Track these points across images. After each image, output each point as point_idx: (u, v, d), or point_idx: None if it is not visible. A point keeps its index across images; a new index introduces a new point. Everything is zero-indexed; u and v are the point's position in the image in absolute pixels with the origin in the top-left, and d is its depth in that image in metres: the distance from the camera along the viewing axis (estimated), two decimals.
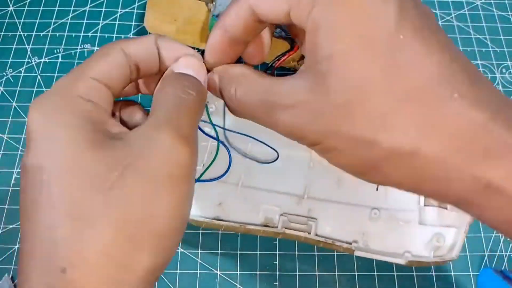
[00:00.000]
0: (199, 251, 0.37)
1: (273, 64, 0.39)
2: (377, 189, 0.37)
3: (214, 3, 0.39)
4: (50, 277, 0.15)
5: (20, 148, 0.40)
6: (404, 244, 0.34)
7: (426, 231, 0.35)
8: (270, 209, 0.36)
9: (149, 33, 0.41)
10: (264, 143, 0.37)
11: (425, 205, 0.36)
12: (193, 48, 0.39)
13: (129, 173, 0.16)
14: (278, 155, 0.36)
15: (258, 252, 0.37)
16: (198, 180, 0.36)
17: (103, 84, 0.19)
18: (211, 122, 0.37)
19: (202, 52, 0.37)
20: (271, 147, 0.36)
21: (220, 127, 0.39)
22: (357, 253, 0.33)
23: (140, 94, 0.24)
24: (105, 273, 0.16)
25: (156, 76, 0.22)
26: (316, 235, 0.34)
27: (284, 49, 0.39)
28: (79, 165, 0.16)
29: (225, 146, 0.37)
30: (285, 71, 0.43)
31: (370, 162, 0.18)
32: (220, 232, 0.38)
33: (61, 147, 0.17)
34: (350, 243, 0.33)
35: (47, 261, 0.16)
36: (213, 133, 0.38)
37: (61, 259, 0.15)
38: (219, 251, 0.37)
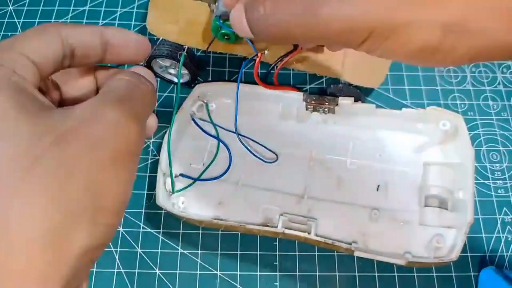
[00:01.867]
0: (199, 251, 0.37)
1: (276, 65, 0.39)
2: (377, 189, 0.37)
3: (216, 3, 0.38)
4: None
5: None
6: (404, 245, 0.34)
7: (426, 231, 0.35)
8: (270, 209, 0.36)
9: (150, 33, 0.41)
10: (263, 146, 0.37)
11: (425, 206, 0.36)
12: (197, 50, 0.39)
13: (67, 141, 0.15)
14: (277, 157, 0.36)
15: (258, 252, 0.37)
16: (198, 179, 0.36)
17: (30, 60, 0.18)
18: (211, 121, 0.37)
19: (205, 53, 0.37)
20: (269, 150, 0.36)
21: (220, 126, 0.39)
22: (357, 254, 0.33)
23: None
24: (34, 254, 0.14)
25: (97, 68, 0.22)
26: (316, 235, 0.34)
27: (287, 50, 0.39)
28: (5, 129, 0.15)
29: (225, 145, 0.37)
30: (288, 72, 0.43)
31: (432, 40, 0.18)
32: (220, 232, 0.38)
33: None
34: (350, 244, 0.33)
35: None
36: (213, 132, 0.38)
37: None
38: (219, 251, 0.37)
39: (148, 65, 0.41)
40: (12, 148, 0.14)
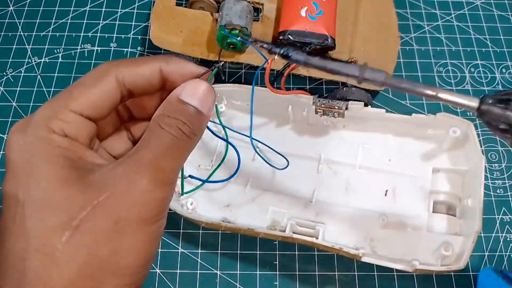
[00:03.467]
0: (199, 251, 0.37)
1: (283, 71, 0.39)
2: (385, 195, 0.37)
3: (220, 13, 0.38)
4: None
5: None
6: (411, 251, 0.34)
7: (434, 238, 0.34)
8: (278, 212, 0.36)
9: (154, 44, 0.41)
10: (275, 151, 0.36)
11: (433, 212, 0.36)
12: (201, 59, 0.39)
13: (97, 212, 0.17)
14: (288, 163, 0.36)
15: (258, 252, 0.37)
16: (207, 180, 0.36)
17: (84, 117, 0.19)
18: (221, 123, 0.37)
19: (210, 62, 0.38)
20: (281, 155, 0.36)
21: (229, 128, 0.38)
22: (365, 259, 0.32)
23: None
24: None
25: (155, 95, 0.23)
26: (324, 240, 0.33)
27: None
28: (52, 202, 0.17)
29: (234, 147, 0.37)
30: (295, 78, 0.43)
31: None
32: (220, 231, 0.38)
33: (36, 182, 0.17)
34: (358, 249, 0.33)
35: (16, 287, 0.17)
36: (222, 134, 0.38)
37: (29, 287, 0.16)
38: (219, 251, 0.37)
39: None
40: (54, 219, 0.17)
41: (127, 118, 0.24)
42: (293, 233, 0.33)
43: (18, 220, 0.17)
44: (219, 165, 0.37)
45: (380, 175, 0.37)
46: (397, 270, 0.36)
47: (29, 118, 0.19)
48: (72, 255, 0.17)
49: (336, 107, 0.36)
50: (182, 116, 0.20)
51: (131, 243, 0.18)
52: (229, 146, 0.37)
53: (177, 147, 0.20)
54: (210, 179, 0.36)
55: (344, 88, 0.39)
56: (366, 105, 0.37)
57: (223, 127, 0.38)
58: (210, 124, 0.39)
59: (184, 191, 0.35)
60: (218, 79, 0.43)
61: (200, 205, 0.36)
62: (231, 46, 0.39)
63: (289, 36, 0.38)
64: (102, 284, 0.17)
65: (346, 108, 0.36)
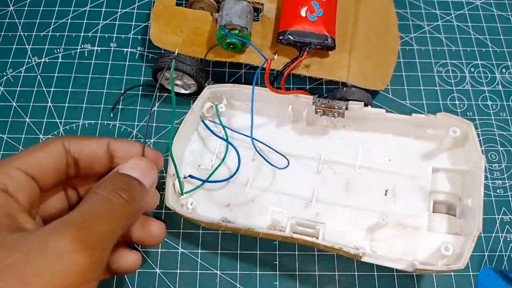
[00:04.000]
0: (199, 251, 0.37)
1: (283, 71, 0.39)
2: (385, 194, 0.37)
3: (220, 13, 0.38)
4: None
5: (21, 148, 0.40)
6: (411, 251, 0.34)
7: (434, 238, 0.34)
8: (278, 212, 0.36)
9: (154, 44, 0.41)
10: (276, 151, 0.36)
11: (433, 212, 0.36)
12: (201, 59, 0.39)
13: (3, 275, 0.16)
14: (288, 163, 0.36)
15: (258, 252, 0.37)
16: (207, 180, 0.36)
17: (28, 175, 0.19)
18: (221, 123, 0.37)
19: (203, 59, 0.37)
20: (282, 154, 0.36)
21: (229, 128, 0.38)
22: (365, 259, 0.32)
23: None
24: None
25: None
26: (324, 240, 0.33)
27: (293, 55, 0.39)
28: None
29: (234, 147, 0.37)
30: (295, 78, 0.43)
31: None
32: (220, 231, 0.38)
33: None
34: (358, 249, 0.33)
35: None
36: (222, 134, 0.38)
37: None
38: (219, 251, 0.37)
39: (154, 77, 0.40)
40: None
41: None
42: (293, 233, 0.33)
43: None
44: (219, 165, 0.37)
45: (380, 175, 0.37)
46: (397, 270, 0.36)
47: None
48: None
49: (336, 107, 0.36)
50: (122, 183, 0.20)
51: None
52: (229, 146, 0.37)
53: (111, 210, 0.19)
54: (210, 179, 0.36)
55: (344, 88, 0.39)
56: (366, 105, 0.37)
57: (223, 127, 0.38)
58: (210, 124, 0.39)
59: (184, 191, 0.35)
60: (219, 80, 0.43)
61: (200, 205, 0.36)
62: (231, 46, 0.39)
63: (289, 36, 0.38)
64: None
65: (346, 108, 0.36)
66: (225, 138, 0.38)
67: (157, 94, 0.43)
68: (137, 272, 0.36)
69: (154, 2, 0.42)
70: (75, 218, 0.18)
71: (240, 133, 0.37)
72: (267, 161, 0.35)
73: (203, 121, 0.39)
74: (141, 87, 0.43)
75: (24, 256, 0.16)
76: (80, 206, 0.18)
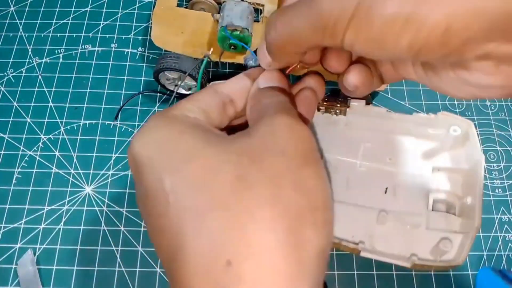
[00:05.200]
0: None
1: (284, 71, 0.39)
2: (385, 192, 0.37)
3: (221, 14, 0.39)
4: (215, 273, 0.14)
5: (21, 147, 0.41)
6: (410, 247, 0.34)
7: (433, 235, 0.34)
8: None
9: (155, 45, 0.41)
10: None
11: (432, 210, 0.36)
12: (202, 60, 0.40)
13: (261, 156, 0.16)
14: None
15: None
16: None
17: (200, 109, 0.20)
18: None
19: (217, 64, 0.37)
20: None
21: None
22: (363, 254, 0.32)
23: None
24: (279, 261, 0.15)
25: None
26: None
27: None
28: (209, 160, 0.16)
29: None
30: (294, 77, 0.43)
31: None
32: None
33: (187, 146, 0.17)
34: (357, 244, 0.33)
35: (210, 259, 0.15)
36: None
37: (226, 253, 0.15)
38: None
39: (156, 78, 0.41)
40: (223, 176, 0.16)
41: None
42: None
43: (188, 193, 0.16)
44: None
45: (380, 173, 0.38)
46: (396, 269, 0.36)
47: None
48: (262, 208, 0.15)
49: (338, 105, 0.36)
50: (270, 90, 0.21)
51: (309, 177, 0.16)
52: None
53: (284, 104, 0.20)
54: None
55: None
56: (367, 103, 0.37)
57: None
58: None
59: None
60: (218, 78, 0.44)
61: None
62: (232, 47, 0.39)
63: None
64: (303, 227, 0.15)
65: (348, 106, 0.36)
66: None
67: (158, 95, 0.43)
68: (137, 271, 0.36)
69: (154, 3, 0.42)
70: (273, 111, 0.18)
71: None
72: None
73: None
74: (142, 86, 0.44)
75: (263, 139, 0.17)
76: (264, 112, 0.19)
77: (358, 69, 0.21)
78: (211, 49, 0.38)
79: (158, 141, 0.17)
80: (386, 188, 0.37)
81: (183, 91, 0.42)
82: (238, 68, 0.44)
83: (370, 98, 0.39)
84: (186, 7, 0.43)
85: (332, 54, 0.21)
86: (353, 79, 0.21)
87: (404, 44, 0.15)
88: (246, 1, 0.39)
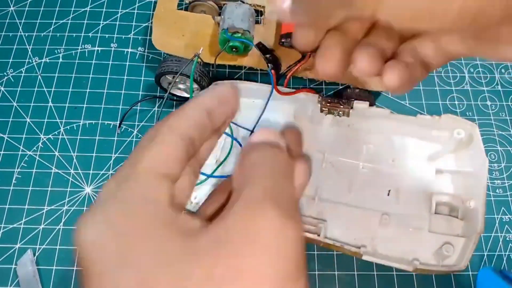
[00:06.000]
0: None
1: (286, 74, 0.39)
2: (388, 194, 0.37)
3: (222, 16, 0.39)
4: None
5: (21, 147, 0.40)
6: (412, 251, 0.34)
7: (435, 239, 0.34)
8: None
9: (156, 48, 0.41)
10: None
11: (435, 213, 0.36)
12: (204, 63, 0.40)
13: (231, 277, 0.13)
14: None
15: None
16: (211, 175, 0.36)
17: (161, 175, 0.15)
18: None
19: (212, 65, 0.37)
20: None
21: (235, 124, 0.38)
22: (365, 257, 0.32)
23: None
24: None
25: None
26: (326, 237, 0.34)
27: (296, 58, 0.39)
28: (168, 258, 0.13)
29: (238, 143, 0.37)
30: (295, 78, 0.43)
31: None
32: None
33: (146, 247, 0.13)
34: (359, 247, 0.33)
35: None
36: (227, 130, 0.38)
37: None
38: None
39: (157, 82, 0.40)
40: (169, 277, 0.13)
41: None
42: None
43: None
44: (223, 161, 0.37)
45: (383, 175, 0.37)
46: (397, 270, 0.36)
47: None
48: None
49: (341, 106, 0.36)
50: (267, 144, 0.17)
51: None
52: (234, 142, 0.38)
53: (279, 167, 0.16)
54: (215, 174, 0.36)
55: (348, 90, 0.39)
56: (371, 105, 0.37)
57: None
58: None
59: None
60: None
61: (204, 200, 0.37)
62: (233, 49, 0.39)
63: (291, 39, 0.38)
64: None
65: (352, 107, 0.36)
66: (230, 133, 0.38)
67: (158, 95, 0.43)
68: None
69: (154, 3, 0.42)
70: (260, 189, 0.14)
71: (246, 129, 0.37)
72: None
73: None
74: (141, 86, 0.43)
75: (238, 248, 0.13)
76: (251, 179, 0.15)
77: (396, 66, 0.19)
78: (201, 48, 0.38)
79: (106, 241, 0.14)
80: (389, 191, 0.37)
81: (185, 94, 0.42)
82: (238, 68, 0.44)
83: (373, 99, 0.39)
84: (186, 7, 0.42)
85: (362, 51, 0.19)
86: (393, 78, 0.19)
87: (456, 9, 0.13)
88: (247, 3, 0.39)
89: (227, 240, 0.13)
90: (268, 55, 0.38)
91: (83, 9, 0.48)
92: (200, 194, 0.36)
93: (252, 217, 0.14)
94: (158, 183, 0.15)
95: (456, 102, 0.44)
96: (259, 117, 0.36)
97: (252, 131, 0.37)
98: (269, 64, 0.38)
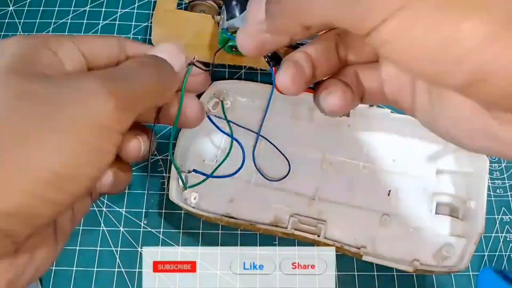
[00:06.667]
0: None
1: None
2: (388, 195, 0.37)
3: (222, 16, 0.38)
4: None
5: None
6: (413, 252, 0.34)
7: (436, 239, 0.35)
8: (281, 209, 0.36)
9: (151, 41, 0.41)
10: (276, 148, 0.37)
11: (436, 213, 0.36)
12: (203, 62, 0.40)
13: (27, 104, 0.15)
14: (288, 171, 0.36)
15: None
16: (211, 175, 0.36)
17: (79, 51, 0.19)
18: (226, 119, 0.37)
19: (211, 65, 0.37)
20: (283, 155, 0.36)
21: (235, 123, 0.38)
22: (365, 258, 0.32)
23: None
24: None
25: None
26: (325, 238, 0.34)
27: None
28: None
29: (238, 143, 0.37)
30: None
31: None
32: (220, 231, 0.38)
33: None
34: (359, 248, 0.33)
35: None
36: (227, 130, 0.38)
37: None
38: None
39: None
40: None
41: None
42: (295, 230, 0.34)
43: None
44: (223, 160, 0.37)
45: (383, 175, 0.37)
46: (397, 270, 0.36)
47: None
48: None
49: None
50: (149, 57, 0.20)
51: (57, 144, 0.15)
52: (234, 142, 0.37)
53: (138, 72, 0.18)
54: (215, 174, 0.36)
55: None
56: (371, 105, 0.37)
57: (228, 122, 0.38)
58: (215, 120, 0.39)
59: (188, 185, 0.35)
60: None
61: (204, 200, 0.37)
62: (233, 49, 0.39)
63: None
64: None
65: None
66: (230, 134, 0.38)
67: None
68: (137, 272, 0.36)
69: (154, 2, 0.42)
70: (106, 72, 0.17)
71: (246, 128, 0.37)
72: (263, 175, 0.36)
73: (208, 116, 0.39)
74: None
75: (46, 91, 0.15)
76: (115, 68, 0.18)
77: (341, 89, 0.18)
78: (195, 57, 0.38)
79: None
80: (389, 191, 0.37)
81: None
82: (238, 68, 0.44)
83: None
84: (186, 7, 0.42)
85: (332, 90, 0.18)
86: (334, 101, 0.18)
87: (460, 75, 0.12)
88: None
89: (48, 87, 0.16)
90: (267, 55, 0.38)
91: (83, 9, 0.48)
92: (200, 194, 0.36)
93: (74, 79, 0.16)
94: (70, 50, 0.19)
95: None
96: (263, 118, 0.36)
97: (252, 131, 0.37)
98: (270, 63, 0.37)
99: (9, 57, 0.17)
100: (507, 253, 0.38)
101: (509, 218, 0.39)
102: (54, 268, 0.36)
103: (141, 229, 0.38)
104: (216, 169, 0.37)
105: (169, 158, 0.40)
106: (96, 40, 0.20)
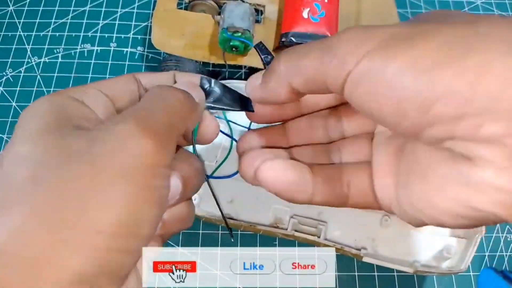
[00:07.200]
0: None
1: None
2: None
3: (222, 15, 0.38)
4: None
5: None
6: (413, 253, 0.34)
7: (436, 240, 0.34)
8: (281, 210, 0.36)
9: (156, 48, 0.40)
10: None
11: None
12: (203, 62, 0.39)
13: (74, 162, 0.15)
14: None
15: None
16: (211, 176, 0.36)
17: (103, 93, 0.19)
18: (226, 119, 0.37)
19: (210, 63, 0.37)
20: None
21: (235, 123, 0.38)
22: (366, 259, 0.32)
23: None
24: (16, 264, 0.13)
25: None
26: (326, 239, 0.34)
27: None
28: (29, 153, 0.15)
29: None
30: None
31: None
32: (220, 231, 0.38)
33: (23, 135, 0.17)
34: (359, 249, 0.33)
35: None
36: (227, 130, 0.38)
37: None
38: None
39: None
40: (28, 168, 0.15)
41: None
42: (295, 231, 0.33)
43: None
44: (223, 161, 0.37)
45: None
46: (398, 271, 0.36)
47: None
48: (28, 204, 0.14)
49: None
50: (169, 87, 0.20)
51: (109, 196, 0.15)
52: (234, 142, 0.37)
53: (167, 102, 0.18)
54: (214, 175, 0.36)
55: None
56: None
57: (228, 122, 0.38)
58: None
59: None
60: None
61: (204, 201, 0.36)
62: (233, 49, 0.39)
63: (292, 38, 0.38)
64: (66, 244, 0.14)
65: None
66: (229, 134, 0.38)
67: None
68: None
69: (154, 2, 0.42)
70: (133, 110, 0.17)
71: (246, 128, 0.37)
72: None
73: None
74: None
75: (87, 143, 0.15)
76: (138, 103, 0.18)
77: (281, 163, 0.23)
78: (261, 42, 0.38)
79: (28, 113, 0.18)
80: None
81: None
82: (238, 67, 0.44)
83: None
84: (186, 6, 0.42)
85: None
86: (271, 174, 0.23)
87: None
88: (247, 2, 0.39)
89: (86, 140, 0.16)
90: (267, 55, 0.38)
91: (83, 9, 0.48)
92: (200, 195, 0.36)
93: (110, 125, 0.16)
94: (98, 96, 0.19)
95: None
96: None
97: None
98: (267, 66, 0.37)
99: (41, 119, 0.17)
100: (508, 253, 0.38)
101: None
102: None
103: None
104: (216, 169, 0.37)
105: None
106: (114, 80, 0.20)
